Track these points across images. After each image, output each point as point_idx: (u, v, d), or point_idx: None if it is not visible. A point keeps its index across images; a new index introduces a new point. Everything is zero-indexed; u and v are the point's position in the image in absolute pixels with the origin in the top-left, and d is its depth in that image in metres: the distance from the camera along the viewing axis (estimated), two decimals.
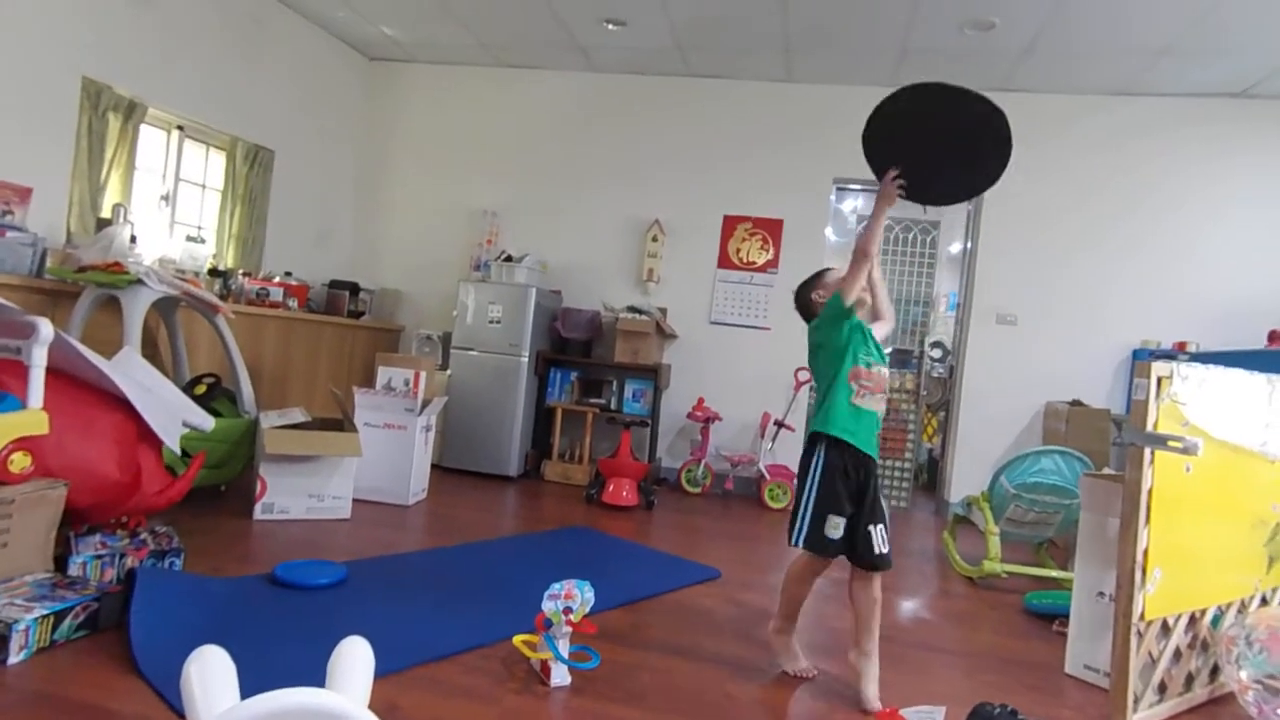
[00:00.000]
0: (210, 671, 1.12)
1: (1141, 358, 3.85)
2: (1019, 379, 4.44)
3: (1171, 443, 1.74)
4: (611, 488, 3.91)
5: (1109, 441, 3.84)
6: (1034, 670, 2.21)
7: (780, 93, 4.78)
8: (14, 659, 1.60)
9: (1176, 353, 4.02)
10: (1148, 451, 1.77)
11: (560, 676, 1.78)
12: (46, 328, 1.95)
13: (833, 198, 4.84)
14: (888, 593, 2.90)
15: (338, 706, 1.02)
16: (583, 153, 5.03)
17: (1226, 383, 1.95)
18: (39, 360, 1.96)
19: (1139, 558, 1.78)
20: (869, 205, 6.74)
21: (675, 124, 4.91)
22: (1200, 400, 1.86)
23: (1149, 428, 1.76)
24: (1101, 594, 2.09)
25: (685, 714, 1.71)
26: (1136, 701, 1.82)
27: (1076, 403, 4.10)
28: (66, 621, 1.71)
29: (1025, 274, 4.47)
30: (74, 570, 1.99)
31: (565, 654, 1.78)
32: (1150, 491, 1.78)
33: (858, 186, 5.04)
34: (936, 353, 5.66)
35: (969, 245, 4.80)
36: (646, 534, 3.45)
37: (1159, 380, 1.78)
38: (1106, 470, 2.86)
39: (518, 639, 1.88)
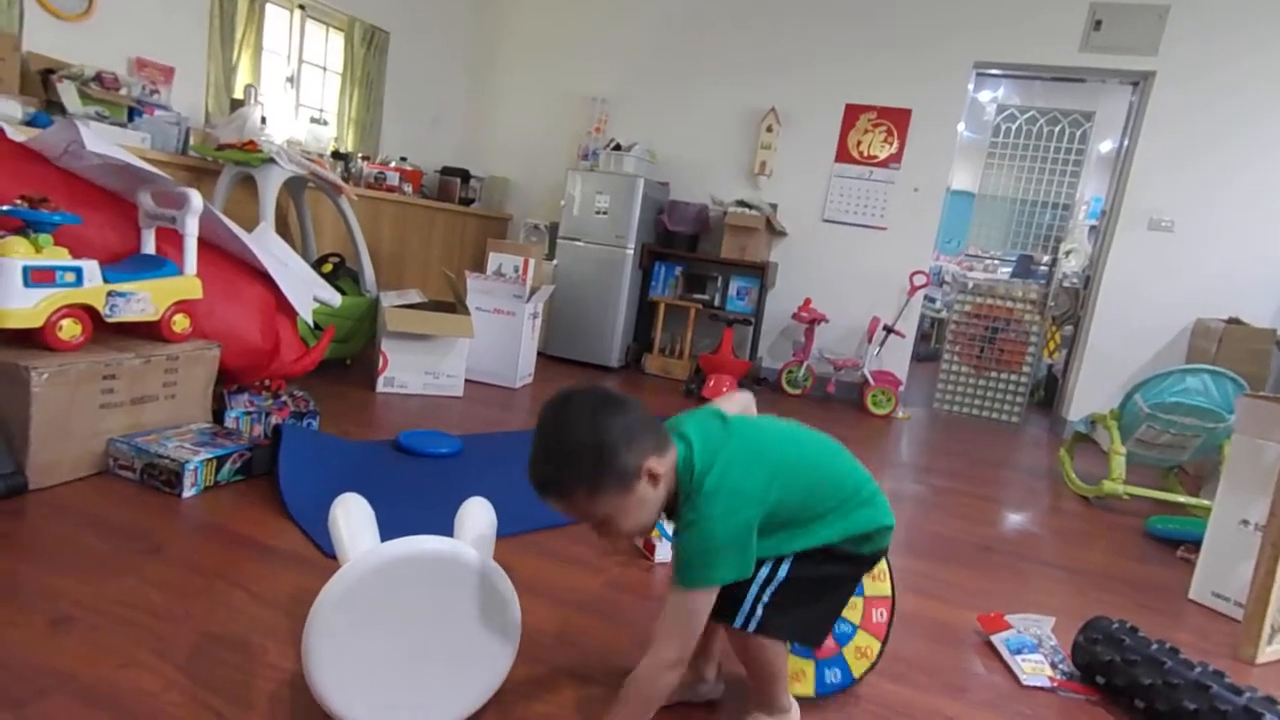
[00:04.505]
0: (354, 514, 1.22)
1: None
2: (1167, 292, 4.01)
3: None
4: (712, 383, 3.92)
5: (1268, 365, 3.45)
6: (1152, 593, 2.11)
7: None
8: (187, 493, 1.82)
9: None
10: None
11: (664, 553, 1.85)
12: (197, 199, 2.07)
13: (970, 86, 4.37)
14: (995, 504, 2.84)
15: (469, 556, 1.09)
16: (697, 34, 4.73)
17: None
18: (191, 229, 2.10)
19: None
20: (1012, 94, 6.01)
21: (798, 1, 4.52)
22: None
23: None
24: (1245, 521, 1.93)
25: None
26: (1273, 634, 1.70)
27: (1234, 320, 3.69)
28: (226, 466, 1.92)
29: (1189, 175, 3.94)
30: (229, 423, 2.21)
31: (669, 532, 1.84)
32: None
33: (998, 72, 4.50)
34: (1071, 262, 5.19)
35: (1125, 142, 4.26)
36: None
37: None
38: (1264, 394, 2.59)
39: None
